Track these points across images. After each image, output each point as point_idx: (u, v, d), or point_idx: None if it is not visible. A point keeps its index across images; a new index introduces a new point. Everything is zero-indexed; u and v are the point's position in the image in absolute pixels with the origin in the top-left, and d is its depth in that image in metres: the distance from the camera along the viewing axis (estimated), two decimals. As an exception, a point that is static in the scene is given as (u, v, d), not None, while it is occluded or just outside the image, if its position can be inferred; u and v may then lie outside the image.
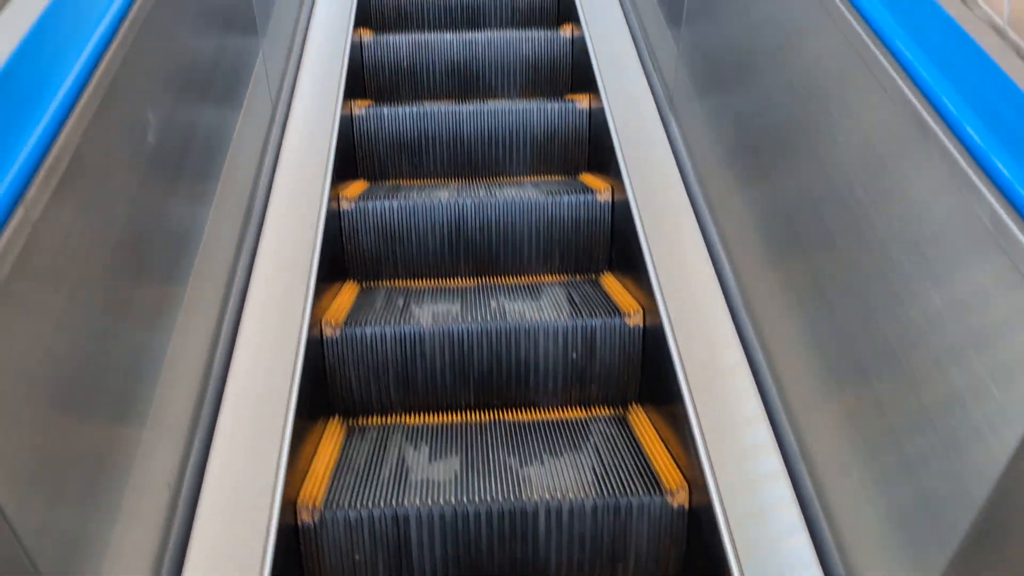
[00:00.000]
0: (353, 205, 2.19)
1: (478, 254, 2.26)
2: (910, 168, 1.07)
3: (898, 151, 1.10)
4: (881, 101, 1.13)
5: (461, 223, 2.23)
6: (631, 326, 1.94)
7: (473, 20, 3.10)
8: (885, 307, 1.11)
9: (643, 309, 1.95)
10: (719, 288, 1.79)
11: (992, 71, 0.97)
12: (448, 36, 2.79)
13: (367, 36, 2.78)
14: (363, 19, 2.96)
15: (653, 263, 1.87)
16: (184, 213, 1.46)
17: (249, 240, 1.82)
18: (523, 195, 2.26)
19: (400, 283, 2.32)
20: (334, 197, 2.09)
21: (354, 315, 2.05)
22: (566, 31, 2.77)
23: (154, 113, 1.31)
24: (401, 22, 3.11)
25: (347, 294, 2.21)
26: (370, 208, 2.21)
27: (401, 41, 2.79)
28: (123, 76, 1.16)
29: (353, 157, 2.51)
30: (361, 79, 2.79)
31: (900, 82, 1.08)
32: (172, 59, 1.47)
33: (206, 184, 1.60)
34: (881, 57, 1.13)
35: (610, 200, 2.20)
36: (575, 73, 2.77)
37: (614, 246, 2.24)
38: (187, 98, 1.52)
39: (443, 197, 2.26)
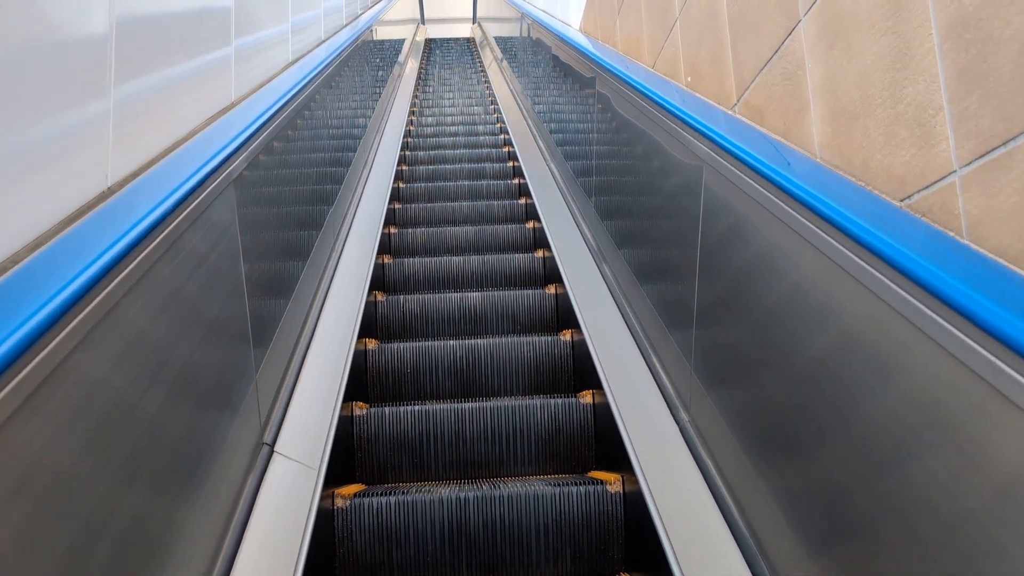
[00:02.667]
0: (349, 503, 2.02)
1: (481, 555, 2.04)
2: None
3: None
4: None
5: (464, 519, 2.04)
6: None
7: (475, 329, 3.16)
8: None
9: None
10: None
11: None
12: (452, 343, 2.81)
13: (372, 345, 2.81)
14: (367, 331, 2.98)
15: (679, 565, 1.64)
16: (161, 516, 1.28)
17: (232, 537, 1.60)
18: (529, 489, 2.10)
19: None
20: (328, 496, 1.97)
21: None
22: (566, 336, 2.84)
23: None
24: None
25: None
26: (366, 505, 2.02)
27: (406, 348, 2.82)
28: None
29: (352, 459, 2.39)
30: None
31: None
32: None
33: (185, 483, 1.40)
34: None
35: (621, 491, 2.06)
36: (577, 374, 2.78)
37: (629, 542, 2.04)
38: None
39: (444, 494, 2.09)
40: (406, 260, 3.64)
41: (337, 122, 3.94)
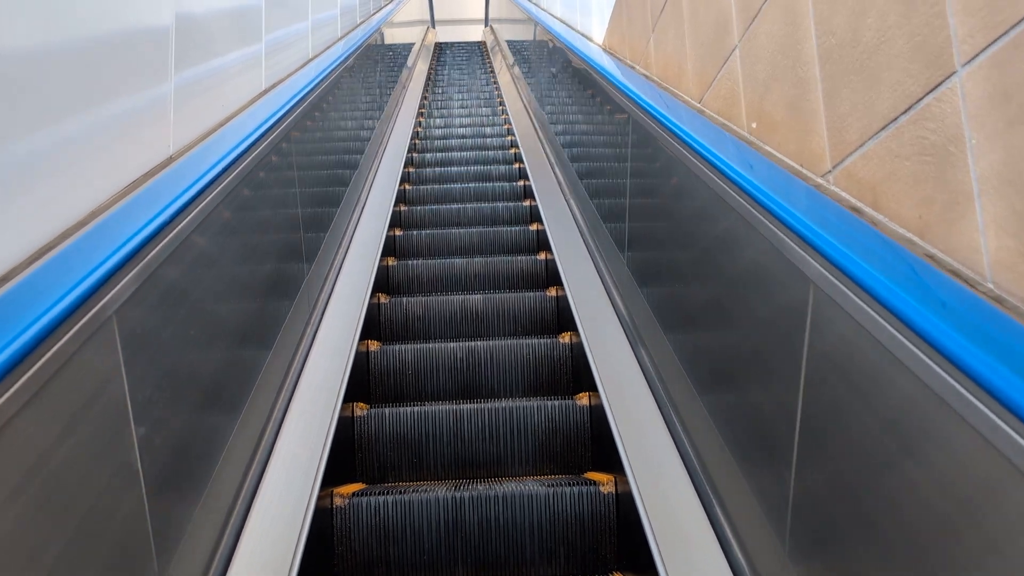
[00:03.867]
0: (347, 502, 2.04)
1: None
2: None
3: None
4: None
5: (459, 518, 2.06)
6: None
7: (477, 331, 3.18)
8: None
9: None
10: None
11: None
12: (452, 345, 2.84)
13: (374, 347, 2.84)
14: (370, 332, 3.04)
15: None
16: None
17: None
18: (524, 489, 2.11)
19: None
20: (326, 495, 1.99)
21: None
22: (565, 338, 2.84)
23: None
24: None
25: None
26: (365, 504, 2.04)
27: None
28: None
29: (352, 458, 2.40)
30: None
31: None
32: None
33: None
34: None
35: (614, 492, 2.07)
36: (575, 376, 2.81)
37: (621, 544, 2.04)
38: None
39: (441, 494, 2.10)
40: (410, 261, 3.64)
41: (330, 151, 3.41)
